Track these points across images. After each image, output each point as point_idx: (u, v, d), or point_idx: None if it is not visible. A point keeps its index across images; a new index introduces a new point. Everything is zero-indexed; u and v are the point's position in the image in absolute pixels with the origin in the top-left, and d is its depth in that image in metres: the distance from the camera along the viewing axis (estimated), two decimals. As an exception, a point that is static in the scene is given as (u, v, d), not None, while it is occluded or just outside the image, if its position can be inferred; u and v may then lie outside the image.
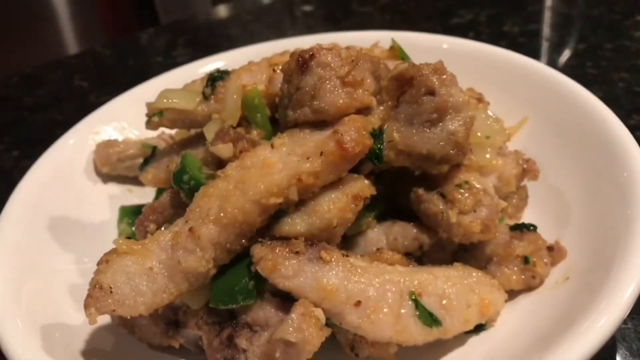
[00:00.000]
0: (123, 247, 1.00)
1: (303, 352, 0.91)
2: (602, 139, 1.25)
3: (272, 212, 1.01)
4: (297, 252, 0.97)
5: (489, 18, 2.46)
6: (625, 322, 1.16)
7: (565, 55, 2.15)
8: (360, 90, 1.06)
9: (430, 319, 0.99)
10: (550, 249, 1.16)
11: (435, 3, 2.63)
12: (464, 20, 2.44)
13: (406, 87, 1.07)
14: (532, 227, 1.18)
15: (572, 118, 1.36)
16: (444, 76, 1.05)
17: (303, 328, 0.91)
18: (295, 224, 1.02)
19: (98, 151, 1.53)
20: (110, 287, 0.96)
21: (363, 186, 1.05)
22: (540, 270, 1.13)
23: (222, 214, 0.99)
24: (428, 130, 1.05)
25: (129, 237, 1.22)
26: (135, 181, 1.51)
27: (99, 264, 0.99)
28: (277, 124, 1.16)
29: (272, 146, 1.04)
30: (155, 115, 1.24)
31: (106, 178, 1.56)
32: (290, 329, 0.91)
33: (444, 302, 1.01)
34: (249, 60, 1.31)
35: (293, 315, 0.92)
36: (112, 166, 1.51)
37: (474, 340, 1.08)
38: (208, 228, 0.99)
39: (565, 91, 1.41)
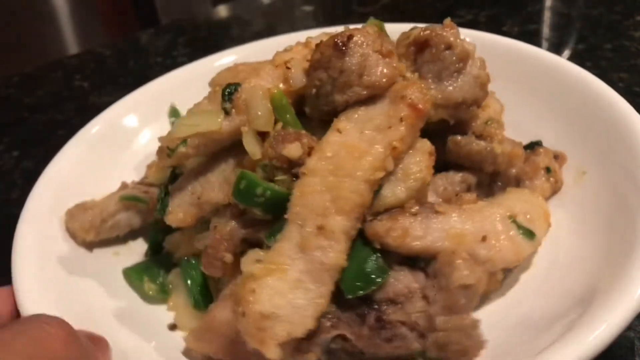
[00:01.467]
0: (261, 267, 0.96)
1: (478, 290, 0.99)
2: (609, 121, 1.28)
3: (377, 187, 1.04)
4: (415, 214, 1.03)
5: (489, 18, 2.46)
6: (625, 321, 1.17)
7: (565, 55, 2.15)
8: (396, 59, 1.13)
9: (529, 233, 1.10)
10: (555, 157, 1.33)
11: (435, 3, 2.63)
12: (463, 20, 2.44)
13: (423, 49, 1.18)
14: (539, 142, 1.36)
15: (575, 99, 1.39)
16: (454, 30, 1.18)
17: (472, 270, 0.97)
18: (396, 192, 1.06)
19: (74, 219, 1.33)
20: (274, 313, 0.92)
21: (427, 143, 1.12)
22: (559, 175, 1.31)
23: (342, 202, 0.99)
24: (458, 80, 1.17)
25: (158, 292, 1.26)
26: (118, 241, 1.39)
27: (241, 298, 0.94)
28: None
29: (339, 131, 1.07)
30: (180, 146, 1.17)
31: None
32: (465, 272, 0.97)
33: (528, 216, 1.12)
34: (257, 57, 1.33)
35: (459, 261, 0.98)
36: (97, 230, 1.34)
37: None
38: (335, 220, 0.99)
39: (564, 71, 1.44)
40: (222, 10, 3.02)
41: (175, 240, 1.32)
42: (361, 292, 0.99)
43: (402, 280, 1.02)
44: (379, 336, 1.00)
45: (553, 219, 1.19)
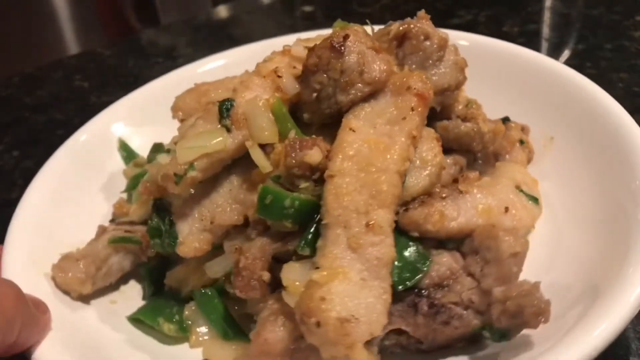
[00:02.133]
0: (323, 274, 0.94)
1: (525, 256, 1.02)
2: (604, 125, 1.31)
3: (404, 178, 1.08)
4: (445, 197, 1.08)
5: (489, 18, 2.46)
6: (624, 321, 1.17)
7: (565, 55, 2.15)
8: (387, 54, 1.17)
9: (534, 199, 1.21)
10: (522, 129, 1.44)
11: (434, 3, 2.63)
12: (463, 20, 2.44)
13: (404, 42, 1.22)
14: (507, 118, 1.45)
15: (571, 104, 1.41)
16: (428, 21, 1.23)
17: (515, 238, 1.02)
18: (420, 181, 1.09)
19: (65, 272, 1.21)
20: (352, 316, 0.91)
21: (432, 130, 1.18)
22: (531, 145, 1.42)
23: (383, 196, 1.01)
24: (441, 67, 1.22)
25: (178, 331, 1.20)
26: (110, 289, 1.31)
27: (311, 309, 0.91)
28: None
29: (353, 130, 1.08)
30: (190, 170, 1.10)
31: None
32: (511, 241, 1.01)
33: (527, 185, 1.22)
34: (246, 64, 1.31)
35: (501, 232, 1.02)
36: (93, 280, 1.24)
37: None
38: (380, 215, 1.00)
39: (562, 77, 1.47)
40: (222, 10, 3.02)
41: (178, 275, 1.25)
42: (409, 282, 1.01)
43: (444, 263, 1.05)
44: (435, 321, 1.01)
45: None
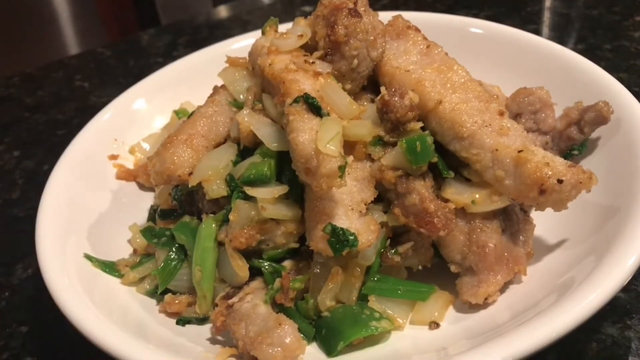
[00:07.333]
0: (523, 153, 1.10)
1: None
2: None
3: None
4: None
5: (489, 18, 2.45)
6: (624, 321, 1.17)
7: (565, 55, 2.15)
8: None
9: None
10: None
11: (434, 4, 2.63)
12: (463, 20, 2.44)
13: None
14: None
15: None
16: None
17: (537, 88, 1.40)
18: None
19: (278, 342, 1.06)
20: (566, 162, 1.10)
21: None
22: None
23: (483, 95, 1.19)
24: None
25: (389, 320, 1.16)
26: None
27: (547, 176, 1.06)
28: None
29: (407, 71, 1.22)
30: (344, 158, 1.03)
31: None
32: (540, 89, 1.40)
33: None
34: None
35: (532, 89, 1.41)
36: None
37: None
38: (495, 105, 1.18)
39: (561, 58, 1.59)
40: (222, 11, 3.02)
41: (332, 292, 1.16)
42: None
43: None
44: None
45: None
